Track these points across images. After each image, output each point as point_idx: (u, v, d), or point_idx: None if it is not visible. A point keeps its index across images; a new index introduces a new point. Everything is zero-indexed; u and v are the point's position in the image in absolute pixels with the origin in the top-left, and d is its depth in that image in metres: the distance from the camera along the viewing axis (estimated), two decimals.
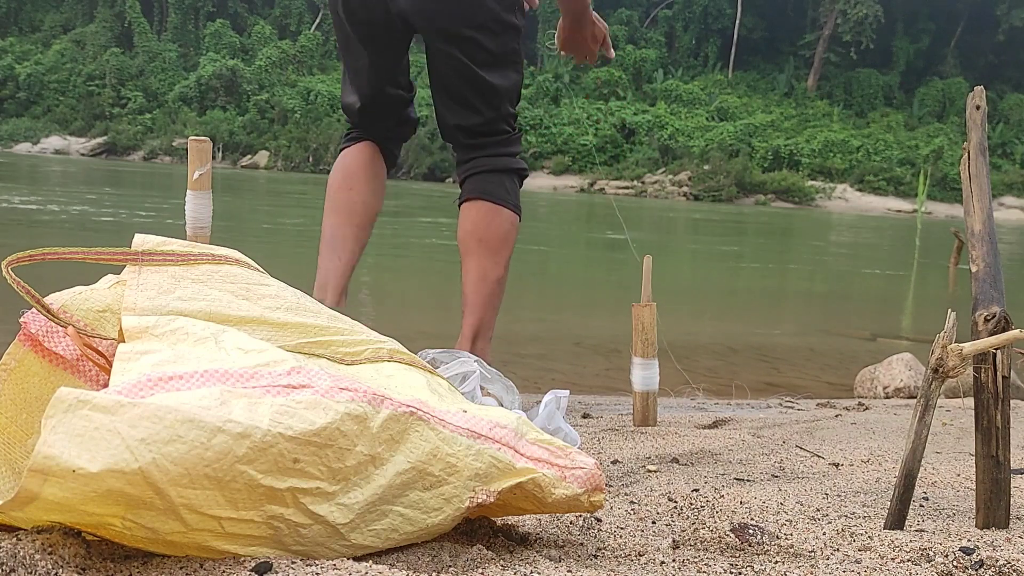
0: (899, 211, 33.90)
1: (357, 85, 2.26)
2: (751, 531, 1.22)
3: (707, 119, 40.61)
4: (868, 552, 1.17)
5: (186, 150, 2.35)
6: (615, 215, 19.12)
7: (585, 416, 2.83)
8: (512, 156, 2.19)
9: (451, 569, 1.01)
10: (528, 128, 38.06)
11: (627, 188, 35.48)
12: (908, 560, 1.13)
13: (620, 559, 1.13)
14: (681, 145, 37.88)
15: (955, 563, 1.11)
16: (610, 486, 1.59)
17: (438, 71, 2.13)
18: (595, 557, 1.14)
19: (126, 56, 42.03)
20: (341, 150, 2.29)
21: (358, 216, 2.20)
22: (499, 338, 4.92)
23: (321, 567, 0.90)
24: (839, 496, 1.58)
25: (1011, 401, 1.39)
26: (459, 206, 2.18)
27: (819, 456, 2.03)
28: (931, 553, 1.14)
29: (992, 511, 1.33)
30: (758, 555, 1.16)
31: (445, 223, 14.38)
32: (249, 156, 36.05)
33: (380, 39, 2.17)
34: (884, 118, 42.79)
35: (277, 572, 0.89)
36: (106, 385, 1.07)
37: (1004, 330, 1.31)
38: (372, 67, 2.21)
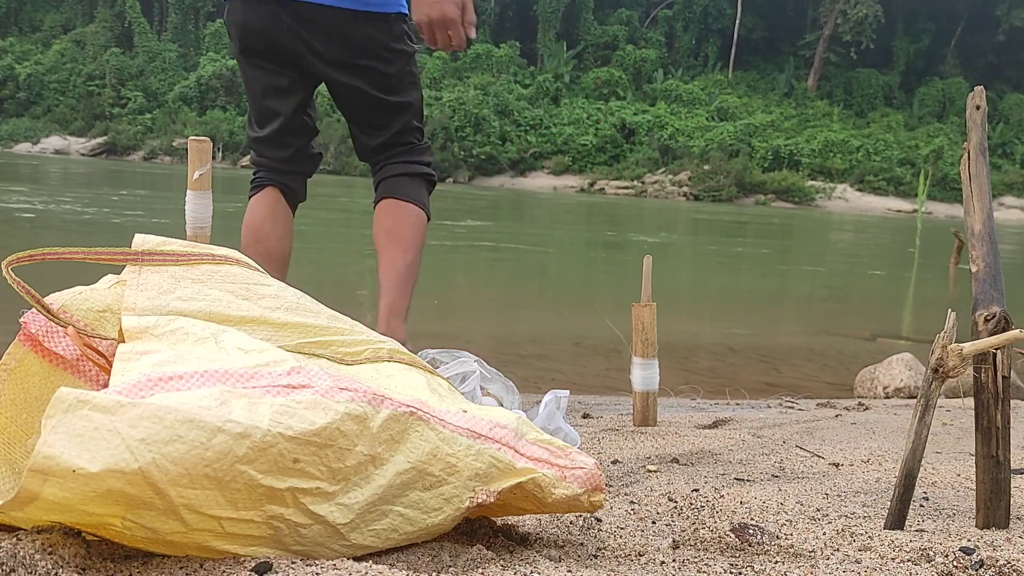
0: (899, 211, 33.90)
1: (260, 117, 2.37)
2: (751, 531, 1.22)
3: (707, 119, 40.60)
4: (868, 552, 1.17)
5: (186, 150, 2.35)
6: (614, 216, 19.11)
7: (585, 416, 2.83)
8: (420, 164, 2.37)
9: (451, 569, 1.01)
10: (528, 128, 38.06)
11: (627, 188, 35.48)
12: (908, 560, 1.13)
13: (620, 559, 1.13)
14: (681, 145, 37.87)
15: (955, 563, 1.11)
16: (610, 486, 1.59)
17: (344, 99, 2.28)
18: (595, 557, 1.14)
19: (126, 56, 42.03)
20: (249, 197, 2.39)
21: (274, 262, 2.30)
22: (499, 338, 4.95)
23: (321, 567, 0.90)
24: (839, 496, 1.58)
25: (1011, 401, 1.39)
26: (374, 210, 2.33)
27: (819, 456, 2.03)
28: (931, 553, 1.14)
29: (992, 511, 1.33)
30: (758, 555, 1.16)
31: (445, 223, 14.37)
32: (249, 156, 36.09)
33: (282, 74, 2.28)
34: (884, 118, 42.79)
35: (277, 572, 0.89)
36: (106, 385, 1.07)
37: (1004, 330, 1.31)
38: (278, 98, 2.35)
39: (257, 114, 2.33)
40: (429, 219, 2.33)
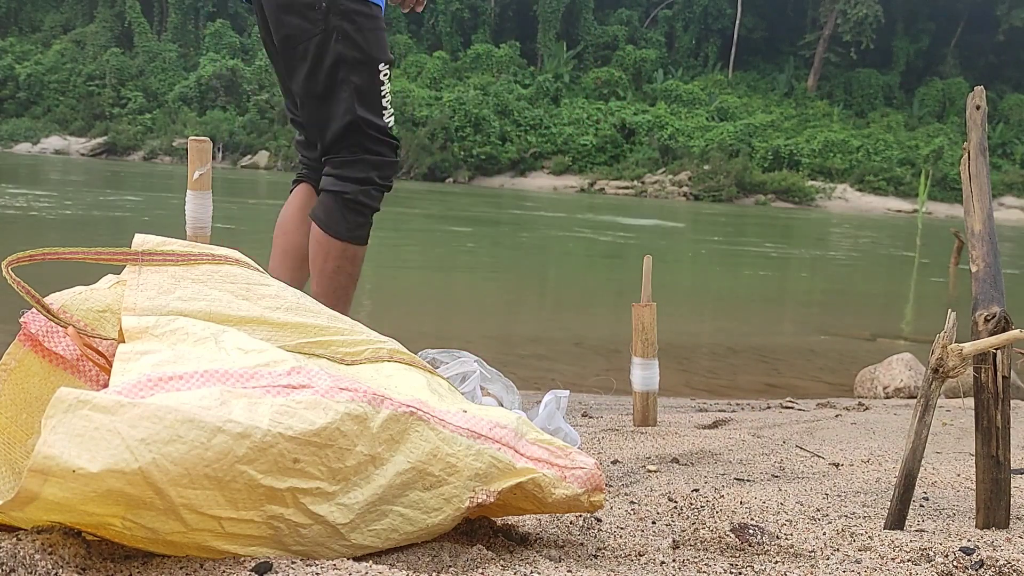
0: (899, 211, 33.88)
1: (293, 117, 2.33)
2: (751, 531, 1.22)
3: (707, 119, 40.57)
4: (868, 552, 1.17)
5: (186, 150, 2.35)
6: (615, 216, 19.12)
7: (585, 416, 2.83)
8: (347, 180, 2.12)
9: (451, 569, 1.01)
10: (528, 128, 38.05)
11: (627, 188, 35.46)
12: (908, 560, 1.13)
13: (620, 559, 1.13)
14: (681, 145, 37.84)
15: (955, 563, 1.10)
16: (610, 486, 1.59)
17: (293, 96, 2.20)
18: (595, 557, 1.14)
19: (126, 56, 42.01)
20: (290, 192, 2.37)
21: (290, 259, 2.26)
22: (499, 338, 4.94)
23: (321, 567, 0.90)
24: (839, 496, 1.58)
25: (1011, 401, 1.39)
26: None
27: (819, 456, 2.03)
28: (931, 553, 1.14)
29: (992, 511, 1.33)
30: (758, 555, 1.16)
31: (445, 223, 14.39)
32: (249, 156, 36.04)
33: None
34: (884, 118, 42.76)
35: (277, 572, 0.89)
36: (106, 385, 1.07)
37: (1004, 330, 1.31)
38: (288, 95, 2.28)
39: (288, 112, 2.32)
40: (342, 239, 2.10)
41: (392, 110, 2.15)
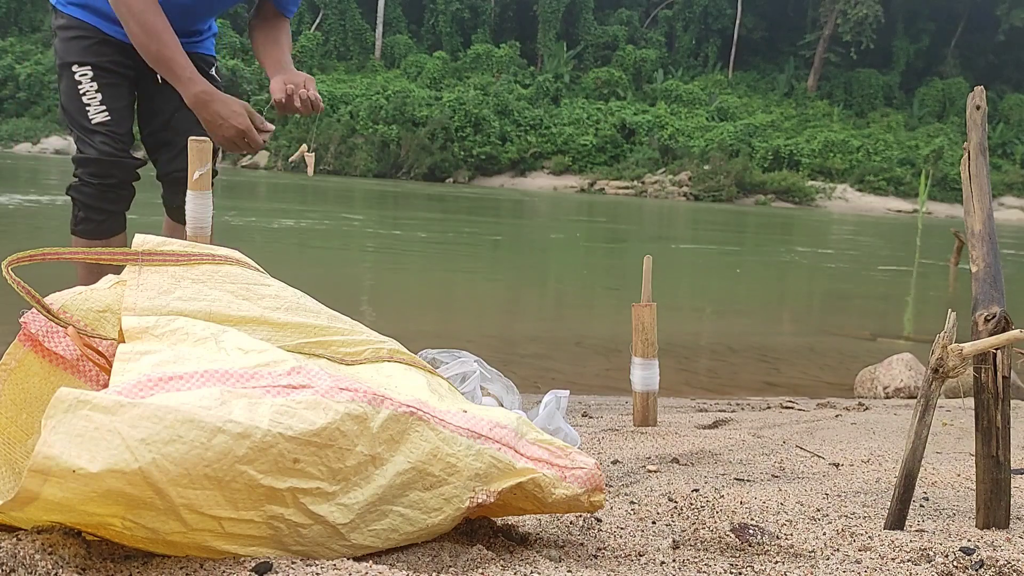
0: (899, 211, 33.87)
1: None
2: (751, 531, 1.22)
3: (707, 119, 40.55)
4: (868, 552, 1.17)
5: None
6: (614, 215, 19.10)
7: (585, 416, 2.83)
8: None
9: (451, 569, 1.01)
10: (528, 128, 38.02)
11: (627, 188, 35.45)
12: (908, 560, 1.13)
13: (620, 559, 1.13)
14: (681, 145, 37.82)
15: (955, 563, 1.10)
16: (610, 486, 1.59)
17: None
18: (595, 557, 1.14)
19: None
20: None
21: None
22: (499, 338, 4.94)
23: (321, 567, 0.90)
24: (839, 496, 1.58)
25: (1011, 401, 1.39)
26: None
27: (819, 456, 2.03)
28: (931, 553, 1.14)
29: (992, 511, 1.33)
30: (758, 555, 1.16)
31: (444, 223, 14.38)
32: (249, 156, 36.12)
33: None
34: (884, 118, 42.74)
35: (277, 572, 0.89)
36: (106, 385, 1.07)
37: (1004, 330, 1.31)
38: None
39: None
40: (71, 233, 2.25)
41: (95, 107, 2.25)
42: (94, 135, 2.21)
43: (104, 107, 2.23)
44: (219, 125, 2.10)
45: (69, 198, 2.23)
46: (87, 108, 2.22)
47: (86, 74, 2.23)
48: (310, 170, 2.35)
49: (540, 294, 7.61)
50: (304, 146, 2.36)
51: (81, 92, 2.23)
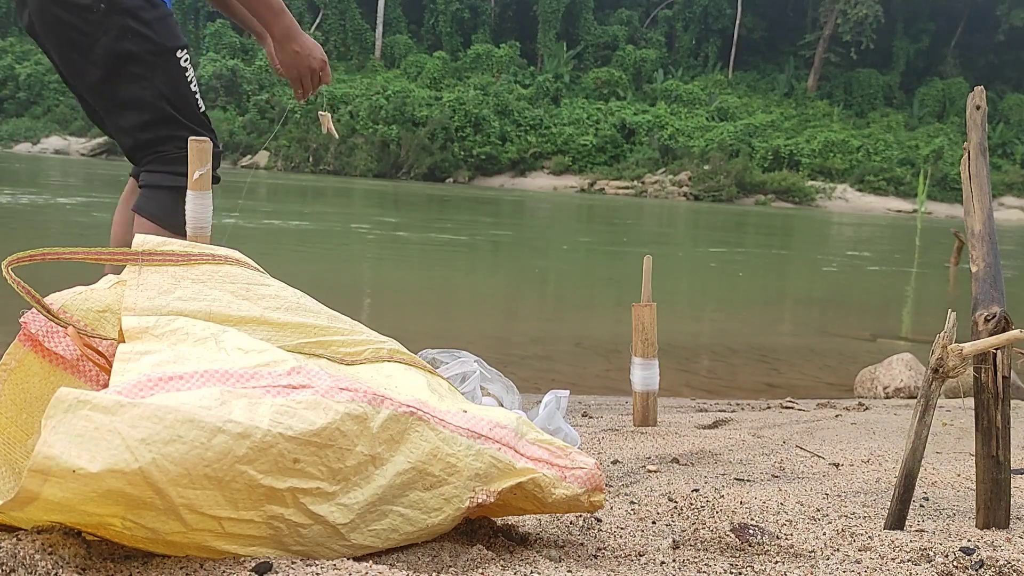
0: (899, 211, 33.88)
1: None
2: (751, 531, 1.22)
3: (707, 119, 40.56)
4: (868, 552, 1.17)
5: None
6: (614, 216, 19.10)
7: (585, 416, 2.83)
8: (167, 174, 2.06)
9: (451, 569, 1.01)
10: (528, 128, 38.04)
11: (627, 188, 35.46)
12: (908, 560, 1.13)
13: (620, 559, 1.13)
14: (681, 145, 37.83)
15: (955, 563, 1.10)
16: (610, 486, 1.59)
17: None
18: (595, 557, 1.14)
19: None
20: None
21: (114, 244, 2.22)
22: (499, 338, 4.94)
23: (321, 567, 0.90)
24: (839, 496, 1.58)
25: (1011, 401, 1.39)
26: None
27: (819, 456, 2.03)
28: (931, 553, 1.14)
29: (992, 511, 1.33)
30: (758, 555, 1.16)
31: (445, 224, 14.39)
32: (249, 156, 36.07)
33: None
34: (884, 118, 42.75)
35: (277, 572, 0.89)
36: (106, 385, 1.07)
37: (1004, 330, 1.31)
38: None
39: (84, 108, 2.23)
40: (181, 233, 2.00)
41: (199, 93, 2.07)
42: (207, 128, 2.04)
43: (199, 92, 2.07)
44: (306, 55, 2.04)
45: (180, 194, 1.96)
46: (197, 97, 2.04)
47: (187, 59, 2.03)
48: (332, 129, 2.30)
49: (540, 294, 7.61)
50: (323, 114, 2.31)
51: (189, 80, 2.02)
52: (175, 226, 1.98)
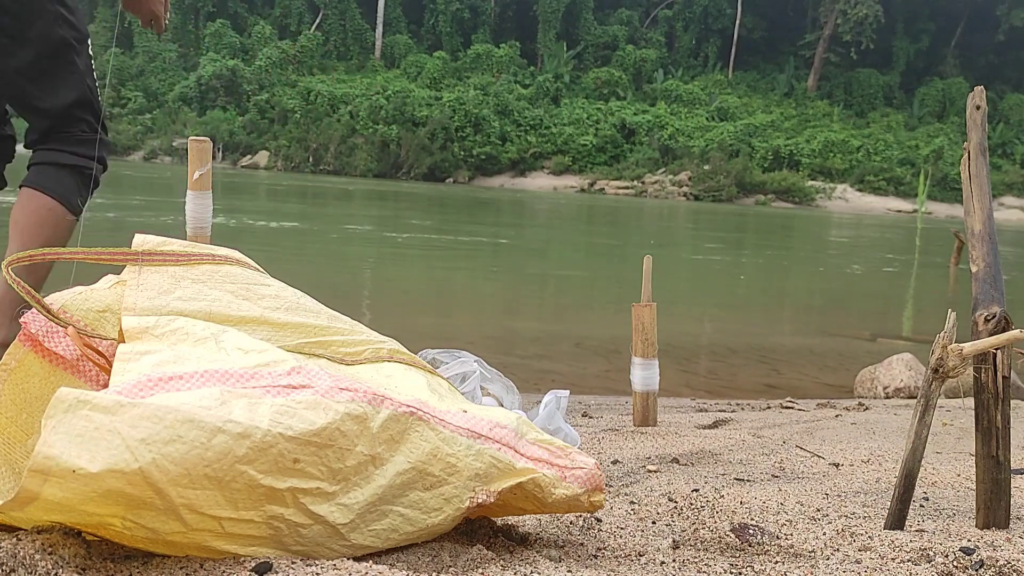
0: (899, 211, 33.88)
1: None
2: (751, 531, 1.22)
3: (707, 119, 40.56)
4: (868, 552, 1.17)
5: (186, 150, 2.35)
6: (615, 216, 19.10)
7: (585, 416, 2.83)
8: (76, 155, 2.09)
9: (451, 569, 1.01)
10: (528, 128, 38.04)
11: (627, 188, 35.46)
12: (908, 560, 1.13)
13: (620, 559, 1.13)
14: (681, 145, 37.84)
15: (955, 563, 1.10)
16: (610, 486, 1.59)
17: None
18: (595, 557, 1.14)
19: (126, 56, 42.00)
20: None
21: (16, 228, 2.16)
22: (499, 338, 4.94)
23: (321, 567, 0.90)
24: (839, 496, 1.58)
25: (1011, 401, 1.39)
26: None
27: (819, 456, 2.03)
28: (931, 553, 1.14)
29: (992, 511, 1.33)
30: (758, 555, 1.16)
31: (445, 224, 14.38)
32: (249, 156, 36.04)
33: None
34: (884, 118, 42.75)
35: (277, 572, 0.89)
36: (106, 385, 1.07)
37: (1004, 330, 1.31)
38: None
39: None
40: (76, 213, 2.08)
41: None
42: (102, 119, 2.09)
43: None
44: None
45: (80, 176, 2.05)
46: (97, 85, 2.07)
47: (90, 51, 2.06)
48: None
49: (540, 294, 7.61)
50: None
51: (93, 68, 2.07)
52: (76, 207, 2.04)
